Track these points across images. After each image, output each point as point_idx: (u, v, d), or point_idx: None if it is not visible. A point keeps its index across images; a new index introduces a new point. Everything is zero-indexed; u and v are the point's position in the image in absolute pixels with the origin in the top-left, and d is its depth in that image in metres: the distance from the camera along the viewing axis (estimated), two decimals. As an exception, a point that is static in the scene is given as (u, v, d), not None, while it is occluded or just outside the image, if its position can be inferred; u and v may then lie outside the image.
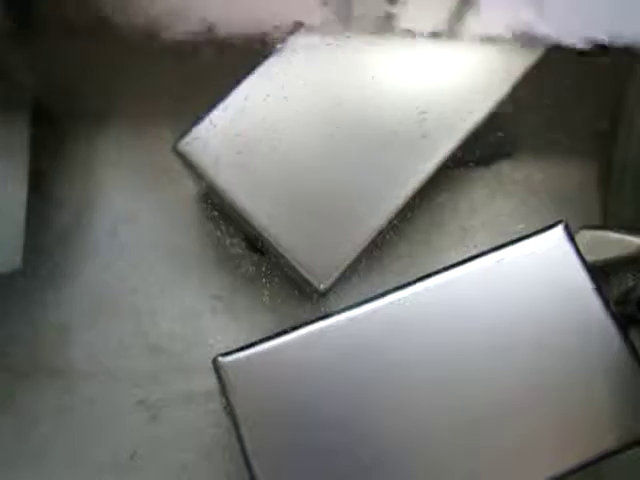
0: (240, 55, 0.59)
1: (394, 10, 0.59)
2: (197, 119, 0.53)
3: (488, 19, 0.59)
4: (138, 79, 0.66)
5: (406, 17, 0.59)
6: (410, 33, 0.58)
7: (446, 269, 0.46)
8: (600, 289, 0.47)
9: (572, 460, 0.42)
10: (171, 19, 0.62)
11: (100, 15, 0.64)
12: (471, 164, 0.65)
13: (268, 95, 0.53)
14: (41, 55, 0.66)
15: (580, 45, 0.58)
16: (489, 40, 0.58)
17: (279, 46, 0.55)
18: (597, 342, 0.45)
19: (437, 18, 0.59)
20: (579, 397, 0.44)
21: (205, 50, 0.63)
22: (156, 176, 0.65)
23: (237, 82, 0.54)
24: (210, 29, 0.62)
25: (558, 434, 0.43)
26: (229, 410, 0.44)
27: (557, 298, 0.46)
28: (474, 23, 0.60)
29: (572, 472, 0.42)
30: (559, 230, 0.48)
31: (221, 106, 0.53)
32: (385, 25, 0.60)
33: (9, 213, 0.59)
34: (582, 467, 0.42)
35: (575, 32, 0.59)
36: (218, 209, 0.60)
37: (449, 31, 0.59)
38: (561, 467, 0.42)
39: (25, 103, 0.63)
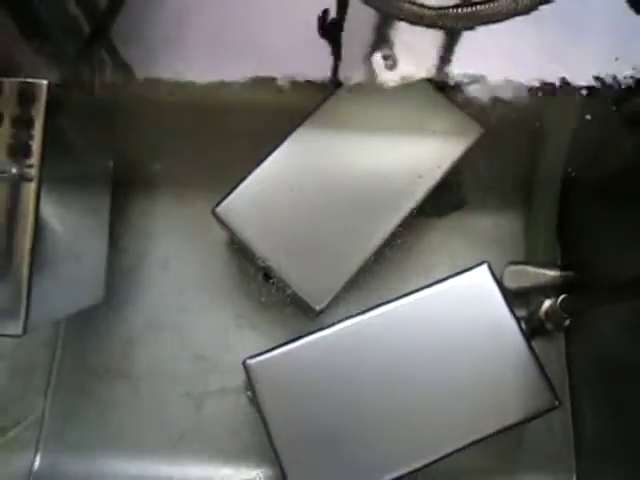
0: (276, 121, 0.61)
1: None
2: (232, 188, 0.59)
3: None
4: (182, 148, 0.72)
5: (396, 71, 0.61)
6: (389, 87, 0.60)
7: (397, 299, 0.54)
8: (514, 312, 0.54)
9: (488, 429, 0.52)
10: (211, 86, 0.60)
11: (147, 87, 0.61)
12: (430, 215, 0.73)
13: (291, 165, 0.60)
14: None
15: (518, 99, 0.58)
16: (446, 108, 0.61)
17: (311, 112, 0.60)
18: (510, 349, 0.54)
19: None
20: (494, 387, 0.52)
21: (243, 116, 0.64)
22: (195, 227, 0.74)
23: (270, 151, 0.59)
24: (246, 95, 0.61)
25: (479, 410, 0.52)
26: (256, 400, 0.52)
27: (480, 319, 0.54)
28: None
29: (489, 436, 0.51)
30: (483, 268, 0.56)
31: (252, 176, 0.60)
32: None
33: (96, 260, 0.67)
34: (495, 434, 0.51)
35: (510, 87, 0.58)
36: (242, 251, 0.66)
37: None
38: (478, 434, 0.52)
39: (106, 170, 0.68)
